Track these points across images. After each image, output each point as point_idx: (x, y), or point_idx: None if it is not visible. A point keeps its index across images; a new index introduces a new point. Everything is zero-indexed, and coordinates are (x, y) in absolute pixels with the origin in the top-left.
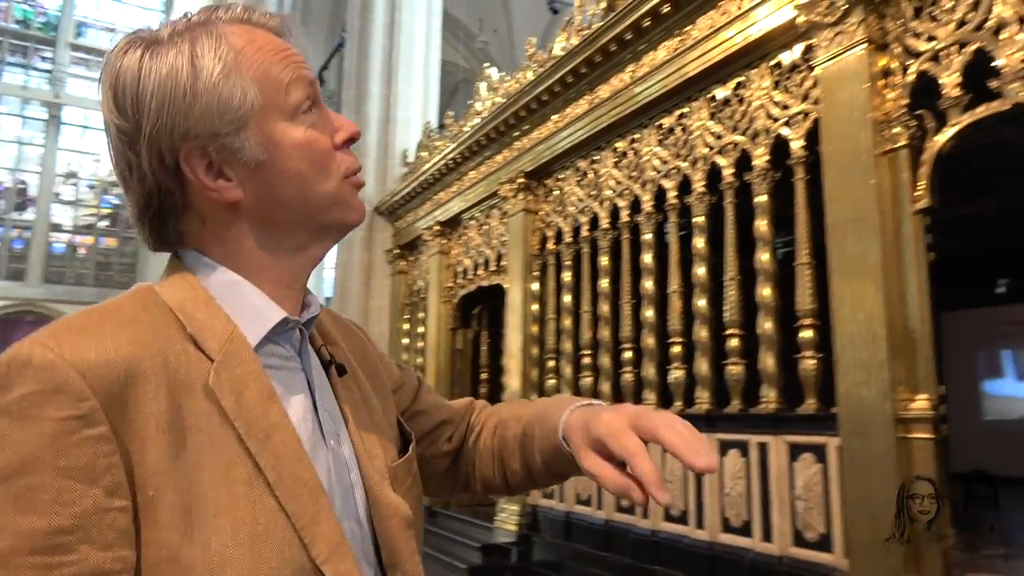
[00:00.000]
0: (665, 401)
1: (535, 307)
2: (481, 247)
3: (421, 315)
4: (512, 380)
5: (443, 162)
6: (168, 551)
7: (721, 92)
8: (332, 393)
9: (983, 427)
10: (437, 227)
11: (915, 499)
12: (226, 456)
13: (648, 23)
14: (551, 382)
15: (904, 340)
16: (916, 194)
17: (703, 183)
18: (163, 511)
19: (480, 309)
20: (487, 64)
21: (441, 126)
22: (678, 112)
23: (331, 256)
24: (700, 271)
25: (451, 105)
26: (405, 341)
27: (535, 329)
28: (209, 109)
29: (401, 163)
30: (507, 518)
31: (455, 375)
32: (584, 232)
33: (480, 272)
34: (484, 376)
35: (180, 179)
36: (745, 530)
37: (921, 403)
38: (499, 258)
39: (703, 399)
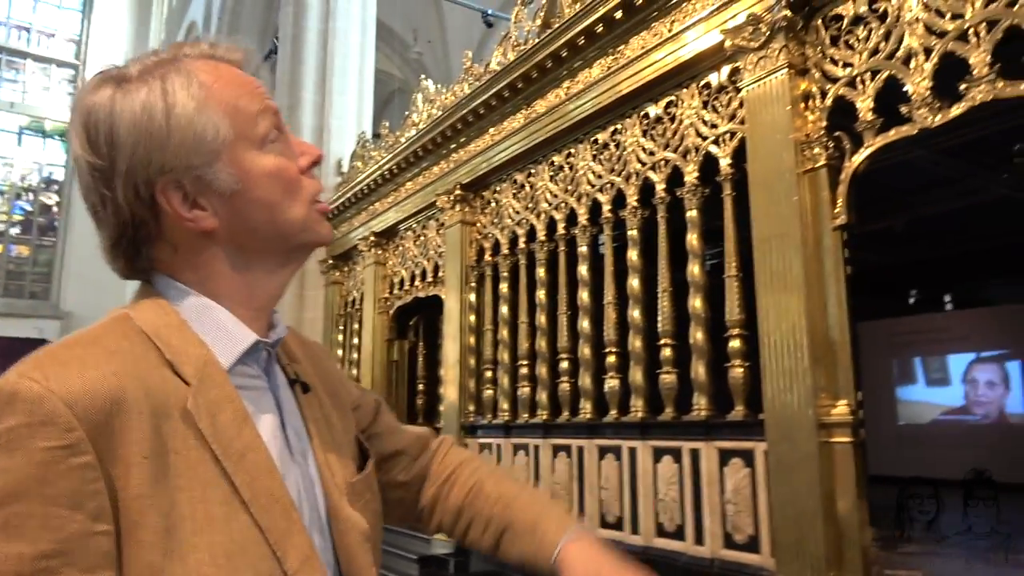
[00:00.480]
0: (601, 410)
1: (472, 318)
2: (418, 258)
3: (356, 326)
4: (449, 390)
5: (379, 172)
6: (151, 571)
7: (653, 110)
8: (298, 411)
9: (898, 431)
10: (372, 237)
11: (915, 499)
12: (203, 477)
13: (583, 42)
14: (488, 392)
15: (825, 349)
16: (835, 211)
17: (636, 198)
18: (146, 532)
19: (416, 320)
20: (424, 76)
21: (376, 135)
22: (612, 128)
23: None
24: (634, 283)
25: (385, 114)
26: (340, 352)
27: (472, 340)
28: (184, 144)
29: (335, 172)
30: None
31: (391, 386)
32: (521, 244)
33: (417, 283)
34: (421, 387)
35: (155, 210)
36: (679, 534)
37: (841, 409)
38: (436, 269)
39: (638, 407)
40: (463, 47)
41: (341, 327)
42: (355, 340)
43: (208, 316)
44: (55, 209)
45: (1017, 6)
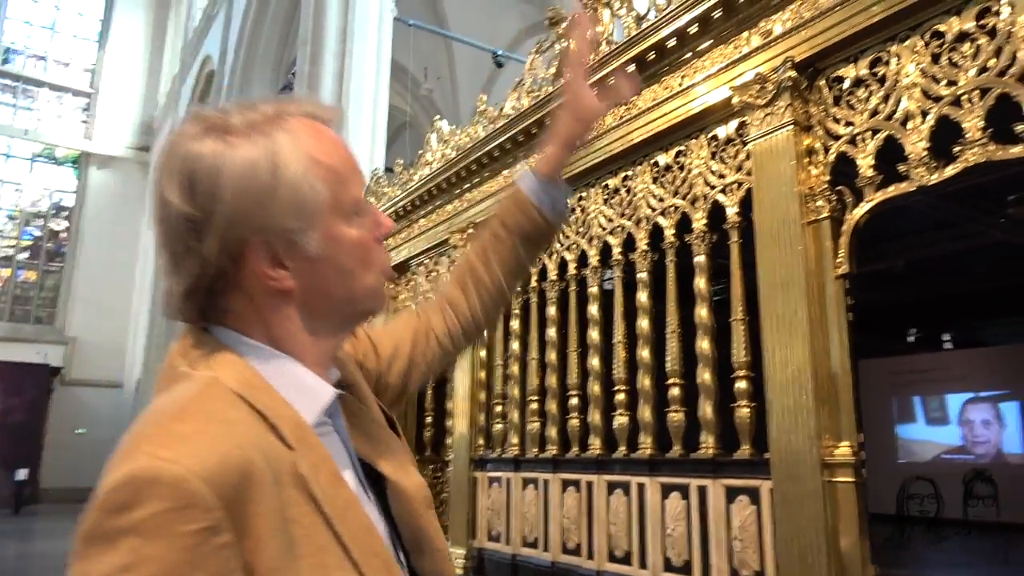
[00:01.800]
0: (610, 446)
1: (483, 353)
2: (429, 293)
3: None
4: (459, 423)
5: (392, 209)
6: None
7: (663, 158)
8: (349, 433)
9: (899, 469)
10: None
11: (914, 499)
12: (319, 543)
13: (597, 92)
14: (498, 427)
15: (828, 391)
16: (838, 260)
17: (646, 241)
18: None
19: None
20: (438, 116)
21: (388, 169)
22: (623, 174)
23: None
24: (644, 323)
25: (393, 147)
26: None
27: (483, 375)
28: (285, 207)
29: None
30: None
31: (401, 418)
32: (533, 283)
33: None
34: (429, 419)
35: (238, 263)
36: (686, 569)
37: (844, 449)
38: None
39: (646, 444)
40: (472, 84)
41: None
42: None
43: (288, 372)
44: (63, 235)
45: (1007, 76)
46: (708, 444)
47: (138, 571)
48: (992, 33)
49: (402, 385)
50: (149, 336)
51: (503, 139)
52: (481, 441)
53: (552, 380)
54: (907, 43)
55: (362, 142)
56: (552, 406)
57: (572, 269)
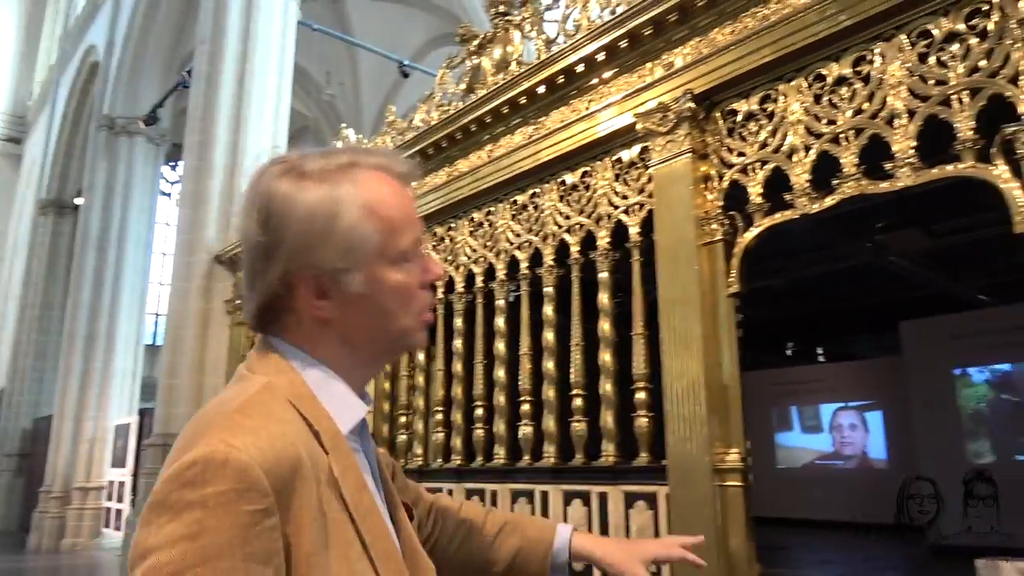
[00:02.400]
0: (514, 455)
1: (387, 365)
2: None
3: None
4: None
5: None
6: None
7: (570, 178)
8: (378, 466)
9: (776, 474)
10: None
11: (914, 499)
12: (346, 537)
13: (506, 110)
14: (402, 438)
15: (720, 401)
16: (729, 280)
17: (553, 257)
18: None
19: None
20: (344, 125)
21: None
22: (531, 191)
23: (164, 304)
24: (549, 336)
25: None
26: None
27: (387, 385)
28: (337, 248)
29: None
30: None
31: None
32: (440, 294)
33: None
34: None
35: (291, 290)
36: (587, 572)
37: (733, 456)
38: None
39: (550, 453)
40: (376, 92)
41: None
42: None
43: (330, 387)
44: None
45: (878, 119)
46: (609, 452)
47: (198, 540)
48: (866, 79)
49: None
50: (16, 344)
51: (411, 152)
52: (382, 449)
53: (458, 391)
54: (793, 83)
55: (263, 145)
56: (457, 416)
57: (479, 282)
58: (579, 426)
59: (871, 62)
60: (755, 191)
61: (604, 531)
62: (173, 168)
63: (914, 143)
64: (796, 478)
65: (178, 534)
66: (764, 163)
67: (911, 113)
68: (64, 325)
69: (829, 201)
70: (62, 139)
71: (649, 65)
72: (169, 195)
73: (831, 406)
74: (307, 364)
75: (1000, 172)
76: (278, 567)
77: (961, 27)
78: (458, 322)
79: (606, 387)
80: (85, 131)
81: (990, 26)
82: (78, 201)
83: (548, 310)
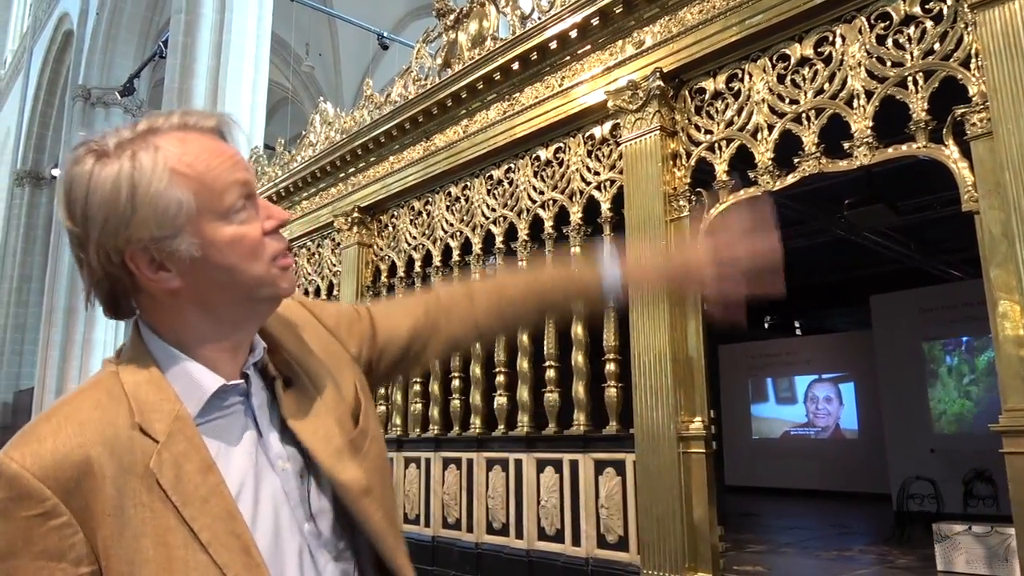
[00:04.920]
0: (490, 424)
1: None
2: (311, 276)
3: None
4: None
5: (274, 190)
6: None
7: (544, 154)
8: (278, 412)
9: (752, 444)
10: None
11: (914, 499)
12: (164, 524)
13: (482, 86)
14: (381, 408)
15: (685, 373)
16: None
17: (527, 232)
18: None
19: None
20: (322, 99)
21: (268, 147)
22: (506, 167)
23: None
24: None
25: (272, 122)
26: None
27: None
28: (147, 219)
29: None
30: None
31: None
32: (417, 268)
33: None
34: None
35: (126, 270)
36: (558, 537)
37: (697, 424)
38: (331, 288)
39: (523, 423)
40: (356, 64)
41: None
42: None
43: (177, 367)
44: None
45: (838, 99)
46: (580, 421)
47: None
48: (828, 60)
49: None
50: None
51: (389, 126)
52: None
53: (435, 363)
54: (758, 63)
55: (241, 118)
56: (435, 387)
57: (456, 255)
58: (552, 396)
59: (832, 43)
60: (721, 168)
61: (575, 497)
62: None
63: (871, 123)
64: (771, 448)
65: None
66: (730, 141)
67: (869, 94)
68: (43, 298)
69: (791, 179)
70: (37, 109)
71: (620, 43)
72: None
73: (806, 378)
74: (160, 346)
75: (950, 152)
76: (77, 559)
77: (917, 10)
78: None
79: (578, 359)
80: (60, 101)
81: (944, 10)
82: (55, 172)
83: None
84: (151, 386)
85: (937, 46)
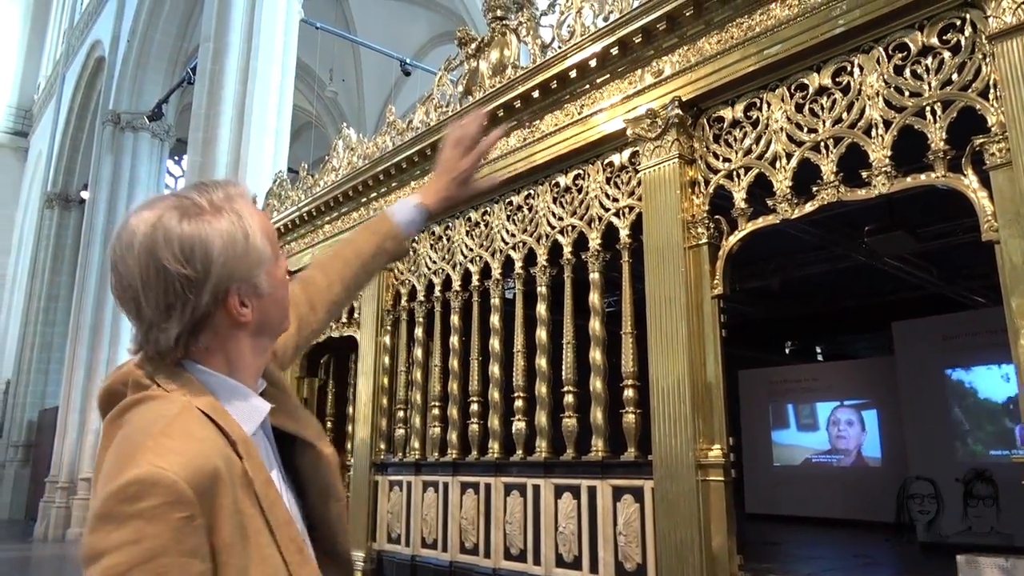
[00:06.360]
0: (508, 449)
1: (387, 359)
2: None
3: None
4: (361, 429)
5: (297, 214)
6: None
7: (563, 180)
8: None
9: (773, 471)
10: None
11: (915, 499)
12: (257, 527)
13: (502, 114)
14: (400, 431)
15: (704, 399)
16: (714, 283)
17: (546, 257)
18: (231, 570)
19: (327, 358)
20: (345, 124)
21: (292, 171)
22: (525, 192)
23: None
24: (542, 334)
25: (295, 146)
26: None
27: (386, 381)
28: (252, 261)
29: None
30: None
31: None
32: (437, 292)
33: (332, 324)
34: (329, 425)
35: (219, 306)
36: (576, 564)
37: (716, 452)
38: (352, 311)
39: (542, 448)
40: (378, 89)
41: None
42: None
43: (236, 394)
44: None
45: (856, 128)
46: (598, 447)
47: (140, 545)
48: (846, 90)
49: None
50: (22, 336)
51: (411, 152)
52: (383, 446)
53: (454, 386)
54: (776, 92)
55: (265, 143)
56: (453, 411)
57: (476, 280)
58: (570, 422)
59: (850, 73)
60: (739, 196)
61: (593, 524)
62: (177, 163)
63: (889, 152)
64: (792, 475)
65: (123, 540)
66: (748, 169)
67: (887, 123)
68: (70, 317)
69: (809, 207)
70: (68, 133)
71: (639, 72)
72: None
73: (828, 404)
74: (214, 379)
75: (969, 182)
76: (205, 556)
77: (935, 41)
78: (455, 319)
79: (596, 384)
80: (91, 125)
81: (962, 41)
82: (84, 195)
83: (541, 309)
84: (217, 413)
85: (955, 76)
